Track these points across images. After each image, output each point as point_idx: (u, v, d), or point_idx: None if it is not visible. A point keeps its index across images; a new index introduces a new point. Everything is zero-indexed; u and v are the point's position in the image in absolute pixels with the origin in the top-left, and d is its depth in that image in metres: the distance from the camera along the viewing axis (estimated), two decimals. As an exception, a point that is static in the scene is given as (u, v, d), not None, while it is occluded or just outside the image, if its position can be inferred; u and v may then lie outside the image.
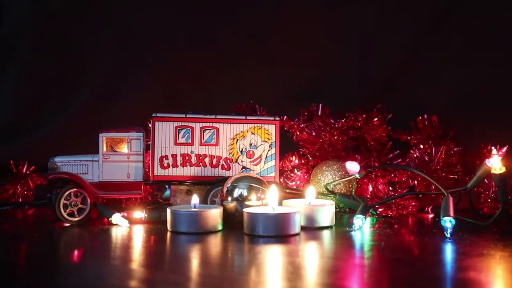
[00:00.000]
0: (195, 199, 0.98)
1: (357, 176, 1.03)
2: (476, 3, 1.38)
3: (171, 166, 1.07)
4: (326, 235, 0.95)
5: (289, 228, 0.91)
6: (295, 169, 1.21)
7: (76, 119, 1.54)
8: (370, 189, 1.16)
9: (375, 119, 1.28)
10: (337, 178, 1.14)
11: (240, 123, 1.08)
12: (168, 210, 0.96)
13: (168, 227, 0.96)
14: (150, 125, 1.08)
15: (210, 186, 1.08)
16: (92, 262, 0.80)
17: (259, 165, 1.09)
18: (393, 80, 1.44)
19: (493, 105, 1.35)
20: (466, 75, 1.39)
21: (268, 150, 1.10)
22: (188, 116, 1.07)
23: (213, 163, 1.08)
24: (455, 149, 1.16)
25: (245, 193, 0.99)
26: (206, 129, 1.08)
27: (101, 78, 1.54)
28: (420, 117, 1.30)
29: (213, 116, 1.08)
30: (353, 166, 0.99)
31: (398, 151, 1.28)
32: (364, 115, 1.27)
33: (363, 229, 0.97)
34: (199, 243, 0.89)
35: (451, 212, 0.89)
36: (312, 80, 1.48)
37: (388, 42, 1.44)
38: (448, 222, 0.88)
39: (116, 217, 1.01)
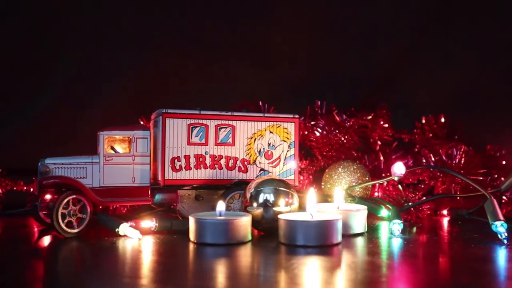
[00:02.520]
0: (221, 206, 0.86)
1: (395, 178, 0.96)
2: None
3: (183, 169, 0.95)
4: (369, 243, 0.85)
5: (332, 237, 0.82)
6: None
7: (40, 120, 1.38)
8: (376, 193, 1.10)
9: (381, 118, 1.22)
10: (353, 180, 1.07)
11: (258, 121, 0.98)
12: (192, 219, 0.84)
13: (192, 238, 0.84)
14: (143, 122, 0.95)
15: (225, 191, 0.97)
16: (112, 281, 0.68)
17: (277, 167, 1.00)
18: (388, 80, 1.40)
19: (493, 105, 1.33)
20: (464, 76, 1.37)
21: (287, 151, 1.00)
22: (202, 112, 0.96)
23: (229, 165, 0.97)
24: (464, 149, 1.12)
25: (272, 198, 0.90)
26: (222, 127, 0.97)
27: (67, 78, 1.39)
28: (426, 117, 1.26)
29: (229, 113, 0.97)
30: (400, 168, 0.92)
31: (401, 151, 1.24)
32: (372, 114, 1.21)
33: (407, 234, 0.89)
34: (230, 256, 0.78)
35: (500, 216, 0.84)
36: (305, 78, 1.41)
37: (385, 42, 1.39)
38: (500, 227, 0.82)
39: (124, 228, 0.88)
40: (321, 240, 0.81)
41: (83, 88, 1.39)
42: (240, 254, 0.79)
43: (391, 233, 0.89)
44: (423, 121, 1.25)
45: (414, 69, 1.39)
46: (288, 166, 1.00)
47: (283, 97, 1.36)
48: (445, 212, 1.10)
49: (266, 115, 0.99)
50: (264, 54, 1.41)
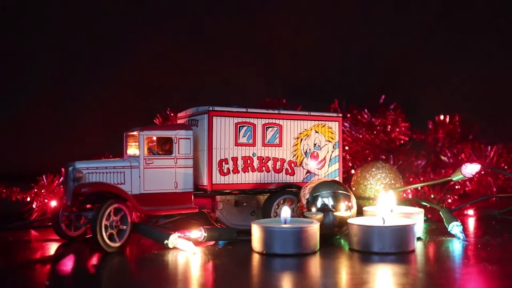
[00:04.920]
0: (286, 211, 0.79)
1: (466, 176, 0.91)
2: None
3: (231, 172, 0.86)
4: (442, 249, 0.81)
5: (408, 243, 0.77)
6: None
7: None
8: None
9: (400, 118, 1.20)
10: (390, 181, 1.03)
11: (304, 120, 0.92)
12: (256, 227, 0.76)
13: (257, 248, 0.76)
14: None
15: (270, 195, 0.90)
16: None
17: (323, 169, 0.94)
18: (397, 79, 1.38)
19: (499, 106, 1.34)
20: (463, 77, 1.38)
21: (332, 151, 0.95)
22: (249, 111, 0.88)
23: (277, 167, 0.90)
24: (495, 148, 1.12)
25: (331, 202, 0.84)
26: (269, 127, 0.89)
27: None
28: (439, 116, 1.25)
29: (276, 111, 0.90)
30: (474, 168, 0.88)
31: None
32: (393, 113, 1.18)
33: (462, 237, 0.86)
34: (311, 269, 0.71)
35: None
36: (310, 77, 1.36)
37: (390, 42, 1.37)
38: None
39: (175, 240, 0.78)
40: (398, 247, 0.76)
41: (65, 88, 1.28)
42: (320, 266, 0.72)
43: (457, 236, 0.85)
44: (440, 119, 1.24)
45: (424, 68, 1.38)
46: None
47: (296, 95, 1.30)
48: (471, 212, 1.09)
49: (312, 113, 0.93)
50: (265, 53, 1.35)
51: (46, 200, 0.99)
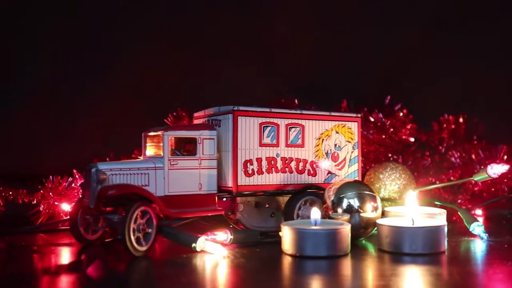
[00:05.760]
0: (316, 213, 0.78)
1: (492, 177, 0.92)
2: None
3: (256, 173, 0.85)
4: (469, 249, 0.80)
5: (439, 244, 0.77)
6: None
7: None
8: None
9: (407, 118, 1.20)
10: (404, 181, 1.03)
11: (325, 120, 0.91)
12: (288, 229, 0.75)
13: (288, 250, 0.75)
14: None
15: (292, 196, 0.88)
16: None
17: (343, 169, 0.93)
18: (400, 80, 1.38)
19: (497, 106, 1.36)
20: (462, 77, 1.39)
21: (352, 152, 0.94)
22: (272, 110, 0.86)
23: (299, 168, 0.89)
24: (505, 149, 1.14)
25: (357, 203, 0.83)
26: (292, 127, 0.88)
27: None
28: (445, 117, 1.26)
29: (298, 111, 0.89)
30: (501, 169, 0.89)
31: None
32: (403, 114, 1.18)
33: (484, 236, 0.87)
34: (350, 271, 0.70)
35: None
36: (309, 77, 1.35)
37: (391, 43, 1.38)
38: None
39: (203, 243, 0.76)
40: (430, 248, 0.76)
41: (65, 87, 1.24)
42: (355, 267, 0.71)
43: (480, 236, 0.86)
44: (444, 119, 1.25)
45: (426, 69, 1.39)
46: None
47: (295, 95, 1.30)
48: (479, 212, 1.10)
49: (333, 114, 0.92)
50: (266, 53, 1.34)
51: (56, 203, 0.96)
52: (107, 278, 0.68)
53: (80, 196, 0.90)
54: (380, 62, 1.37)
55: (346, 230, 0.76)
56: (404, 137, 1.19)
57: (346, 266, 0.71)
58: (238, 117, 0.83)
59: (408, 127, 1.19)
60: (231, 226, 0.88)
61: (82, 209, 0.81)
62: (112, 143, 1.18)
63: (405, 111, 1.20)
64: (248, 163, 0.84)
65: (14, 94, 1.19)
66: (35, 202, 0.99)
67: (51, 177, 1.00)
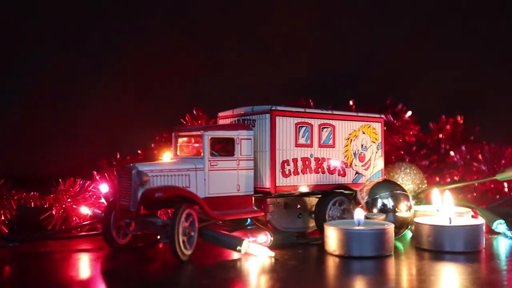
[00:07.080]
0: (359, 213, 0.78)
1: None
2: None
3: (292, 174, 0.84)
4: (503, 247, 0.82)
5: (479, 242, 0.79)
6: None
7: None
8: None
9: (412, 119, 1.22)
10: (418, 181, 1.05)
11: (353, 121, 0.91)
12: (332, 229, 0.75)
13: (335, 251, 0.75)
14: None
15: (322, 197, 0.88)
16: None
17: (369, 169, 0.94)
18: (396, 80, 1.41)
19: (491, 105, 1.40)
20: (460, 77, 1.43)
21: (376, 152, 0.95)
22: (307, 111, 0.86)
23: (331, 169, 0.88)
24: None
25: (391, 203, 0.84)
26: (324, 127, 0.88)
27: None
28: (441, 118, 1.29)
29: (329, 112, 0.88)
30: None
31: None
32: (404, 114, 1.20)
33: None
34: (404, 271, 0.71)
35: None
36: (306, 77, 1.36)
37: (388, 42, 1.40)
38: None
39: (248, 245, 0.75)
40: (470, 246, 0.78)
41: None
42: (405, 267, 0.72)
43: (504, 234, 0.88)
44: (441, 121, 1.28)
45: (425, 68, 1.42)
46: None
47: (295, 95, 1.30)
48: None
49: (360, 114, 0.93)
50: (267, 52, 1.34)
51: (74, 206, 0.91)
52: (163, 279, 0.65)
53: (110, 198, 0.86)
54: (380, 62, 1.39)
55: (391, 230, 0.76)
56: (407, 138, 1.21)
57: (396, 265, 0.72)
58: (276, 117, 0.82)
59: (412, 127, 1.21)
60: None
61: (116, 212, 0.78)
62: (117, 144, 1.14)
63: (410, 112, 1.22)
64: (285, 164, 0.83)
65: (14, 94, 1.13)
66: (47, 205, 0.94)
67: (60, 179, 0.96)
